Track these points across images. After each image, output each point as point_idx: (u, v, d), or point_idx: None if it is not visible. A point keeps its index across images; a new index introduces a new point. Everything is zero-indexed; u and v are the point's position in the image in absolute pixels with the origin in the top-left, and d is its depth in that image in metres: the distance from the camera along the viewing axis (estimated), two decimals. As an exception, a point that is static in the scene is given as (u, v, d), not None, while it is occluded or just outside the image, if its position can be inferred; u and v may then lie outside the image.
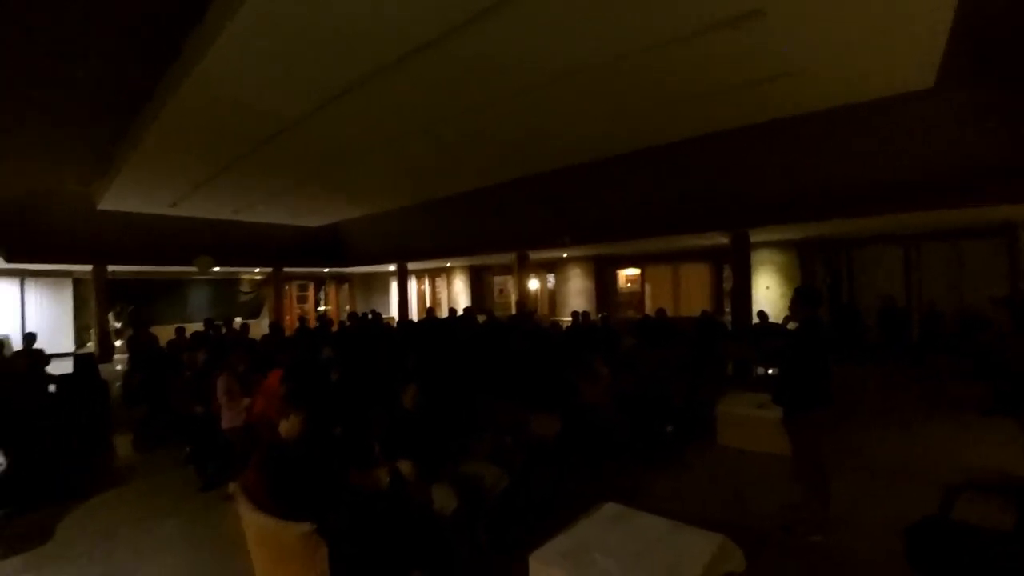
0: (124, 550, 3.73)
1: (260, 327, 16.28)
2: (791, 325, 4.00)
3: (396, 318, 16.54)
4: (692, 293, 13.96)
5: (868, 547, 3.36)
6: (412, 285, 20.27)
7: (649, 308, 13.78)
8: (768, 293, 12.13)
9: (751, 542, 3.26)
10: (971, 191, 6.80)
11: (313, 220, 15.60)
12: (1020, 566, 2.48)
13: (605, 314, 13.11)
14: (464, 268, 18.61)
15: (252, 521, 2.57)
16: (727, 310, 12.05)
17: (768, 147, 7.98)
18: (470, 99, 5.92)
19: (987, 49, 5.95)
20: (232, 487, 4.46)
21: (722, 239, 10.51)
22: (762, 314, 9.69)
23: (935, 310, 9.30)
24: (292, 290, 20.74)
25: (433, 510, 3.06)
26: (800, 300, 3.77)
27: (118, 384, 8.93)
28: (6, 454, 4.25)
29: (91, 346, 14.52)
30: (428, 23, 4.18)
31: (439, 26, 4.22)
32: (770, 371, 9.64)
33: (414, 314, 18.63)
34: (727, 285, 12.46)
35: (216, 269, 15.39)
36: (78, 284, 15.81)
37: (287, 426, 3.02)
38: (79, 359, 8.21)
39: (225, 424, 4.93)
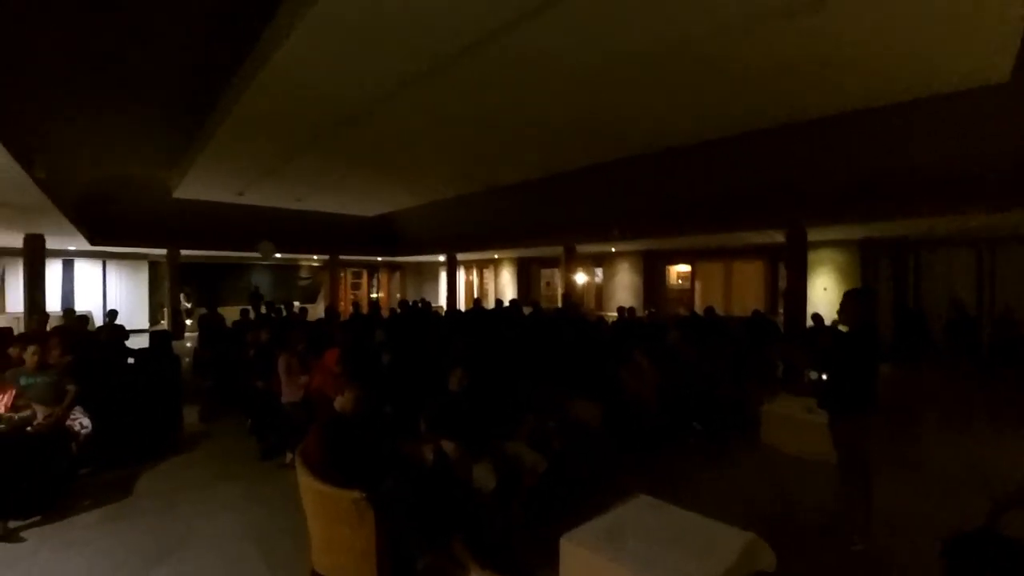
0: (191, 507, 4.10)
1: (317, 311, 17.06)
2: (842, 328, 3.89)
3: (444, 307, 16.94)
4: (745, 291, 13.60)
5: (910, 558, 3.29)
6: (461, 275, 20.64)
7: (699, 305, 13.52)
8: (826, 295, 11.67)
9: (789, 544, 3.26)
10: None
11: (368, 209, 16.14)
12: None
13: (653, 310, 13.00)
14: (512, 260, 18.79)
15: (309, 486, 2.81)
16: (781, 310, 11.69)
17: (828, 141, 7.63)
18: (530, 89, 5.99)
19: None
20: (290, 456, 4.82)
21: (778, 236, 10.19)
22: (817, 316, 9.37)
23: (1010, 317, 8.70)
24: (347, 276, 21.54)
25: (473, 486, 3.22)
26: (851, 302, 3.64)
27: (187, 359, 9.63)
28: (91, 419, 4.73)
29: (164, 324, 15.62)
30: (490, 15, 4.27)
31: (501, 18, 4.29)
32: (823, 376, 9.33)
33: (462, 304, 19.00)
34: (783, 284, 12.07)
35: (277, 255, 16.20)
36: (153, 266, 17.03)
37: (342, 401, 3.25)
38: (155, 335, 8.93)
39: (284, 398, 5.29)
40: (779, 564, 2.87)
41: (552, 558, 2.83)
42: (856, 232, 10.28)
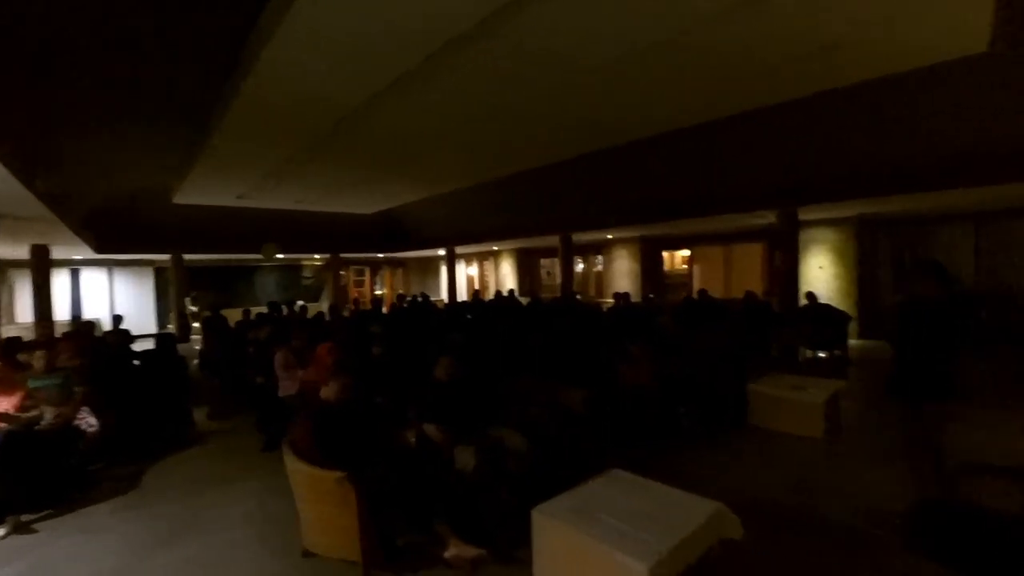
0: (196, 497, 4.32)
1: (320, 309, 17.27)
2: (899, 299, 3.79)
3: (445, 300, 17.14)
4: (745, 274, 13.67)
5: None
6: (461, 269, 20.79)
7: (697, 290, 13.63)
8: (821, 273, 11.72)
9: (762, 517, 3.41)
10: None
11: (366, 207, 16.25)
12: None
13: (651, 296, 13.11)
14: (512, 251, 18.91)
15: (296, 468, 2.99)
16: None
17: (812, 121, 7.68)
18: (525, 84, 6.00)
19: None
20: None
21: (773, 218, 10.25)
22: (811, 295, 9.45)
23: (1008, 292, 8.74)
24: (350, 274, 21.76)
25: (456, 469, 3.38)
26: (923, 274, 3.34)
27: (195, 361, 9.87)
28: (99, 418, 4.94)
29: (171, 328, 15.92)
30: (475, 9, 4.31)
31: (488, 9, 4.32)
32: (820, 354, 9.42)
33: (463, 296, 19.18)
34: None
35: (280, 256, 16.41)
36: (160, 271, 17.31)
37: (327, 391, 3.42)
38: (159, 337, 9.14)
39: (282, 392, 5.49)
40: (749, 535, 3.00)
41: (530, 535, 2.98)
42: (849, 210, 10.29)
